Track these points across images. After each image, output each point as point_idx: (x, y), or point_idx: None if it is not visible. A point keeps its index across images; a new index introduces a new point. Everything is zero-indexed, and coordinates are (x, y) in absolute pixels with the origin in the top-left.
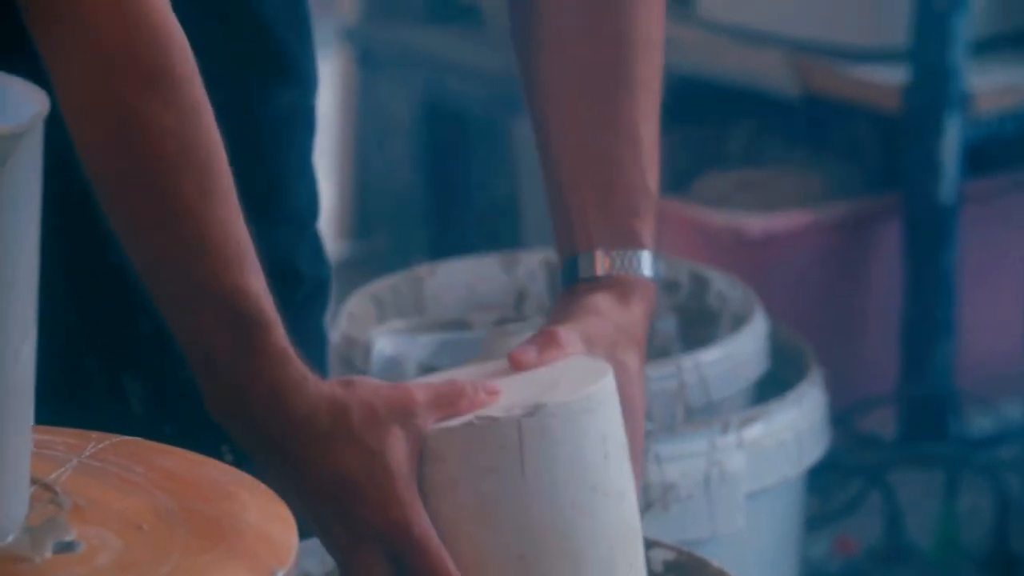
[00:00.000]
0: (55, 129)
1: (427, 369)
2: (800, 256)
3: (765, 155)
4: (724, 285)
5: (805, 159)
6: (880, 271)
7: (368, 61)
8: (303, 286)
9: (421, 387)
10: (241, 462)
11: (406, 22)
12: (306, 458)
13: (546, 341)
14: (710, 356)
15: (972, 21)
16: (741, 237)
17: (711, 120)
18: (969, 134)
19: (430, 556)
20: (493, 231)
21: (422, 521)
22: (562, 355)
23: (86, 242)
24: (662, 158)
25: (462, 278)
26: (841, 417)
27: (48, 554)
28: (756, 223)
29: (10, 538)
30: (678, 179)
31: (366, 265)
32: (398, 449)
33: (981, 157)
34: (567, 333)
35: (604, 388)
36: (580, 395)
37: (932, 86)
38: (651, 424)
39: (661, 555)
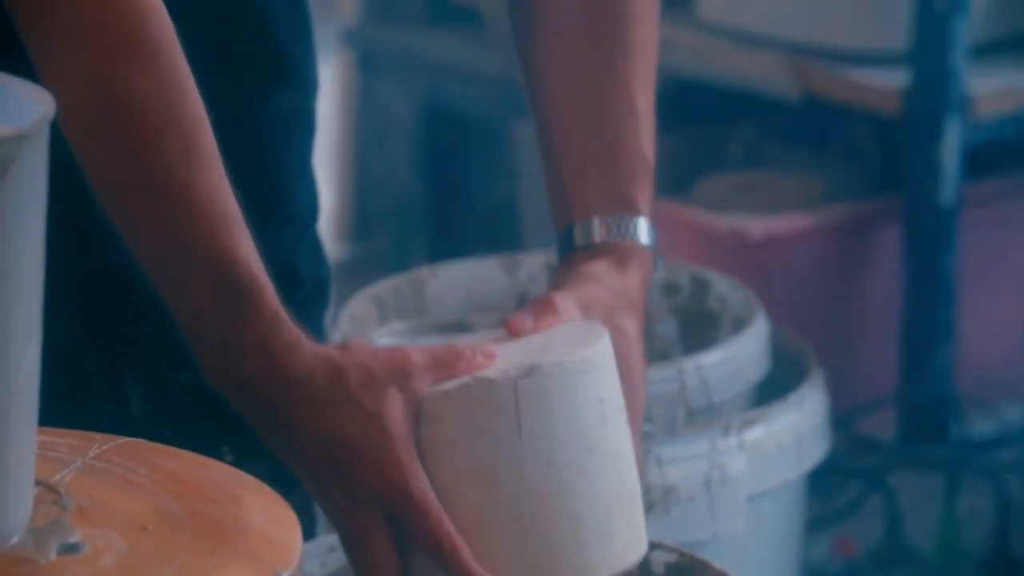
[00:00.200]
0: (53, 129)
1: None
2: (800, 259)
3: (765, 158)
4: (725, 287)
5: (805, 162)
6: (880, 274)
7: (368, 63)
8: (303, 287)
9: (418, 350)
10: (242, 463)
11: (406, 24)
12: (303, 421)
13: (542, 307)
14: (711, 358)
15: (972, 25)
16: (741, 240)
17: (711, 123)
18: (969, 137)
19: (428, 517)
20: (493, 233)
21: (420, 482)
22: (558, 321)
23: (87, 243)
24: (662, 161)
25: (463, 280)
26: (841, 419)
27: (52, 556)
28: (756, 226)
29: (15, 539)
30: (678, 181)
31: (366, 267)
32: (395, 411)
33: (981, 160)
34: (563, 299)
35: (601, 350)
36: (576, 356)
37: (932, 89)
38: (652, 426)
39: (663, 557)
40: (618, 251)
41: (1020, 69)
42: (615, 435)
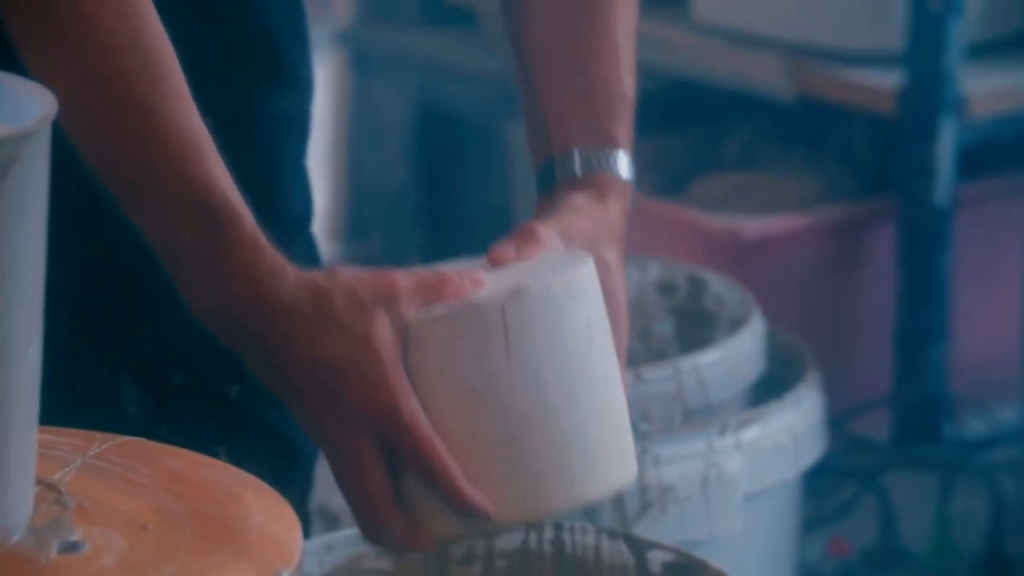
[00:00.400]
0: (55, 129)
1: None
2: (795, 259)
3: (761, 158)
4: (721, 287)
5: (801, 162)
6: (875, 274)
7: (362, 64)
8: None
9: (404, 274)
10: (238, 464)
11: (400, 25)
12: (290, 347)
13: (525, 237)
14: (708, 358)
15: (967, 25)
16: (737, 240)
17: (707, 123)
18: (964, 138)
19: (419, 439)
20: (487, 234)
21: (410, 404)
22: (541, 251)
23: (85, 244)
24: (657, 161)
25: None
26: (835, 420)
27: (53, 554)
28: (752, 226)
29: (15, 538)
30: (674, 182)
31: (360, 266)
32: (383, 333)
33: (976, 161)
34: (546, 230)
35: (586, 274)
36: (562, 279)
37: (927, 90)
38: (649, 426)
39: (660, 556)
40: (598, 184)
41: (1015, 69)
42: (603, 358)
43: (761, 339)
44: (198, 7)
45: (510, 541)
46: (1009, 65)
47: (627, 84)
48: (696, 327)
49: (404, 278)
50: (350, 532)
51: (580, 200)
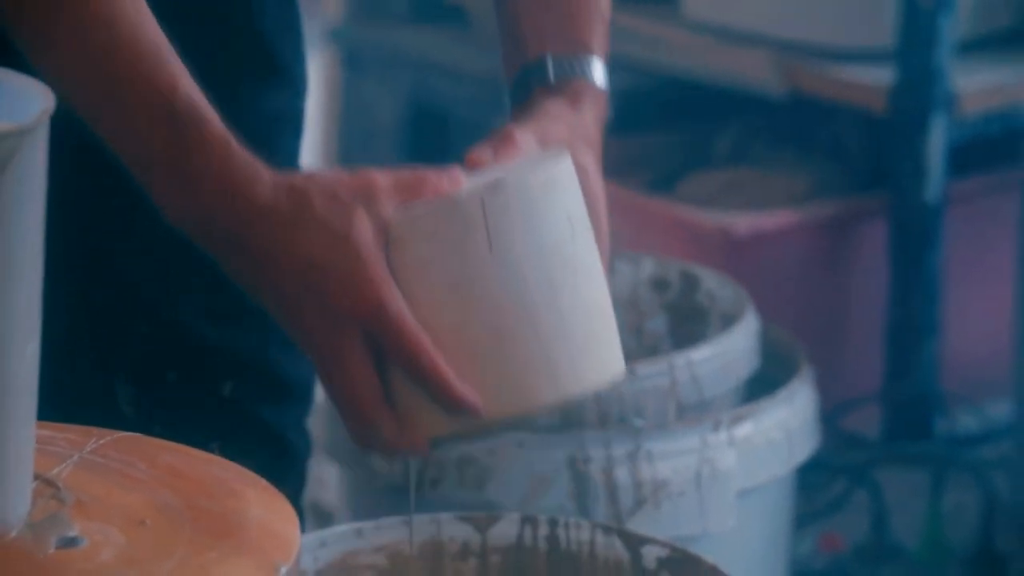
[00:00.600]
0: (53, 124)
1: None
2: (786, 256)
3: (752, 155)
4: (714, 284)
5: (791, 159)
6: (865, 271)
7: (353, 62)
8: None
9: (382, 172)
10: (231, 461)
11: (391, 23)
12: (270, 248)
13: (502, 141)
14: (702, 354)
15: (958, 22)
16: (728, 237)
17: (698, 120)
18: (954, 134)
19: (407, 336)
20: None
21: (396, 300)
22: (518, 154)
23: (80, 241)
24: (649, 157)
25: None
26: (827, 416)
27: (51, 549)
28: (743, 223)
29: (13, 533)
30: (665, 178)
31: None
32: (364, 231)
33: (966, 157)
34: (522, 134)
35: (565, 169)
36: (541, 173)
37: (918, 87)
38: (643, 421)
39: (655, 552)
40: (572, 90)
41: (1005, 66)
42: (585, 252)
43: (755, 335)
44: (193, 5)
45: (505, 537)
46: (1000, 62)
47: (603, 3)
48: (689, 323)
49: (382, 177)
50: (344, 528)
51: (555, 106)
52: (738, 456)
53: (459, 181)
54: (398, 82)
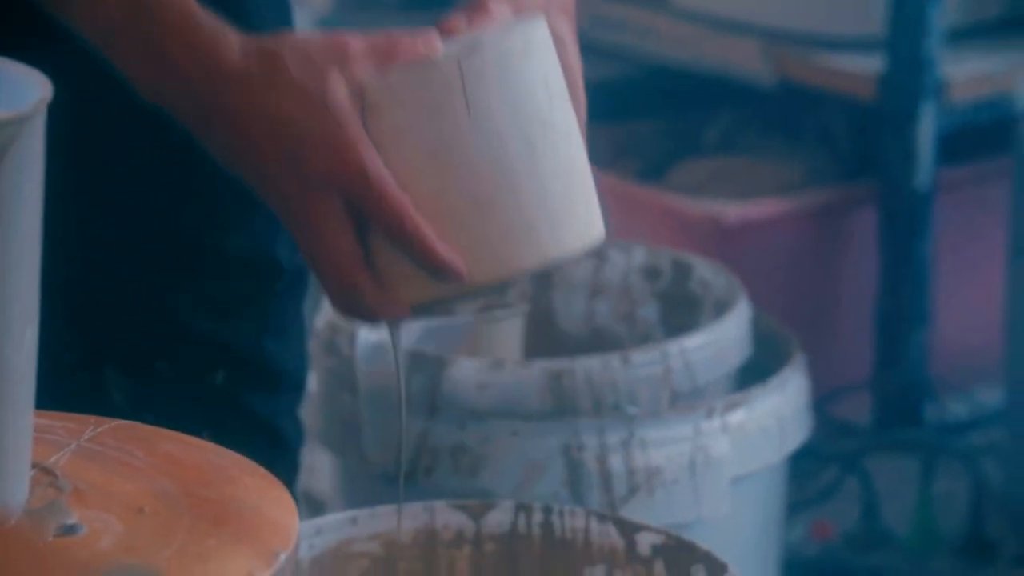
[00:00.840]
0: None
1: (412, 355)
2: (776, 244)
3: (741, 143)
4: (707, 272)
5: (781, 147)
6: (856, 259)
7: None
8: (283, 276)
9: (355, 36)
10: None
11: (380, 11)
12: (244, 112)
13: (476, 9)
14: (696, 341)
15: (947, 10)
16: (718, 225)
17: (687, 109)
18: (944, 122)
19: (389, 198)
20: None
21: (377, 163)
22: (492, 22)
23: (72, 231)
24: (638, 146)
25: None
26: (817, 403)
27: (50, 537)
28: (732, 211)
29: (12, 521)
30: (655, 167)
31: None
32: (339, 91)
33: (956, 146)
34: (496, 2)
35: (540, 32)
36: (517, 35)
37: (908, 75)
38: (637, 409)
39: (649, 539)
40: None
41: (994, 54)
42: (563, 116)
43: (747, 323)
44: None
45: (499, 524)
46: (989, 50)
47: None
48: (681, 312)
49: (356, 41)
50: (340, 516)
51: None
52: (731, 443)
53: (435, 44)
54: None
